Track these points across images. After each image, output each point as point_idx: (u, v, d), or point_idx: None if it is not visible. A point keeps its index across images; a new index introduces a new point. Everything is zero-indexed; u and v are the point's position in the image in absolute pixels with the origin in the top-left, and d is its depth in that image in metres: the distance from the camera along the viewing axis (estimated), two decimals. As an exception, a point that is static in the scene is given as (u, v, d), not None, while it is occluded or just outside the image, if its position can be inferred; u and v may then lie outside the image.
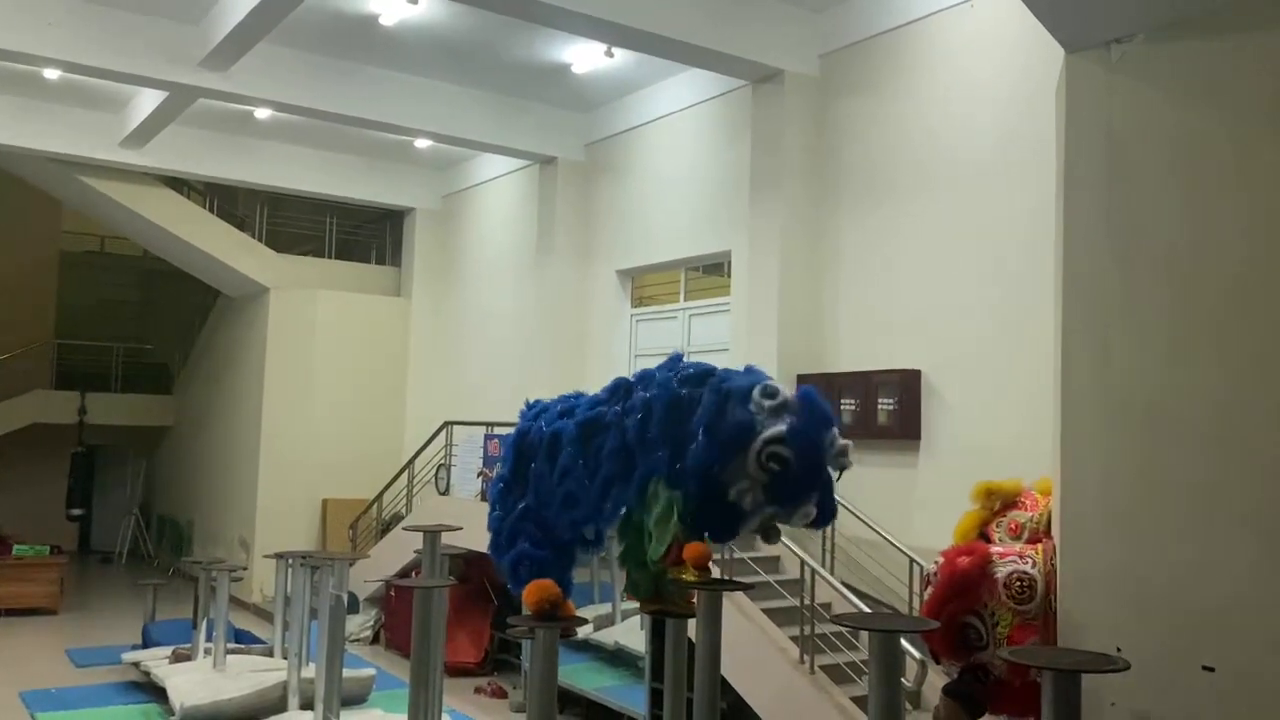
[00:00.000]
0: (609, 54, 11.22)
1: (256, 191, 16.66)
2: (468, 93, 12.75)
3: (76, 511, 19.52)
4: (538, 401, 5.76)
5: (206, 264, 16.52)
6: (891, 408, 9.02)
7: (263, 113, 13.27)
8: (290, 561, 9.95)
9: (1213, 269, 4.47)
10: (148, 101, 12.55)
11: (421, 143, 14.61)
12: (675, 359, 5.39)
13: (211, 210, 16.59)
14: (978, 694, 5.19)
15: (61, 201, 17.86)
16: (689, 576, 5.01)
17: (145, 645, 11.36)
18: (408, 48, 11.55)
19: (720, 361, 6.10)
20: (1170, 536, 4.51)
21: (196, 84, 11.23)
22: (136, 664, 10.58)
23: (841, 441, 5.02)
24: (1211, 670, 4.27)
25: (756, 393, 4.92)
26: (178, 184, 15.99)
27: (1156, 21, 4.66)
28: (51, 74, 11.76)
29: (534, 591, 5.03)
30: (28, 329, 19.76)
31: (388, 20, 10.73)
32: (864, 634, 6.87)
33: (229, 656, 10.04)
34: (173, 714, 9.10)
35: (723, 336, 11.00)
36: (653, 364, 5.67)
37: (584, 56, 11.54)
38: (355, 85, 12.13)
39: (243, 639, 11.41)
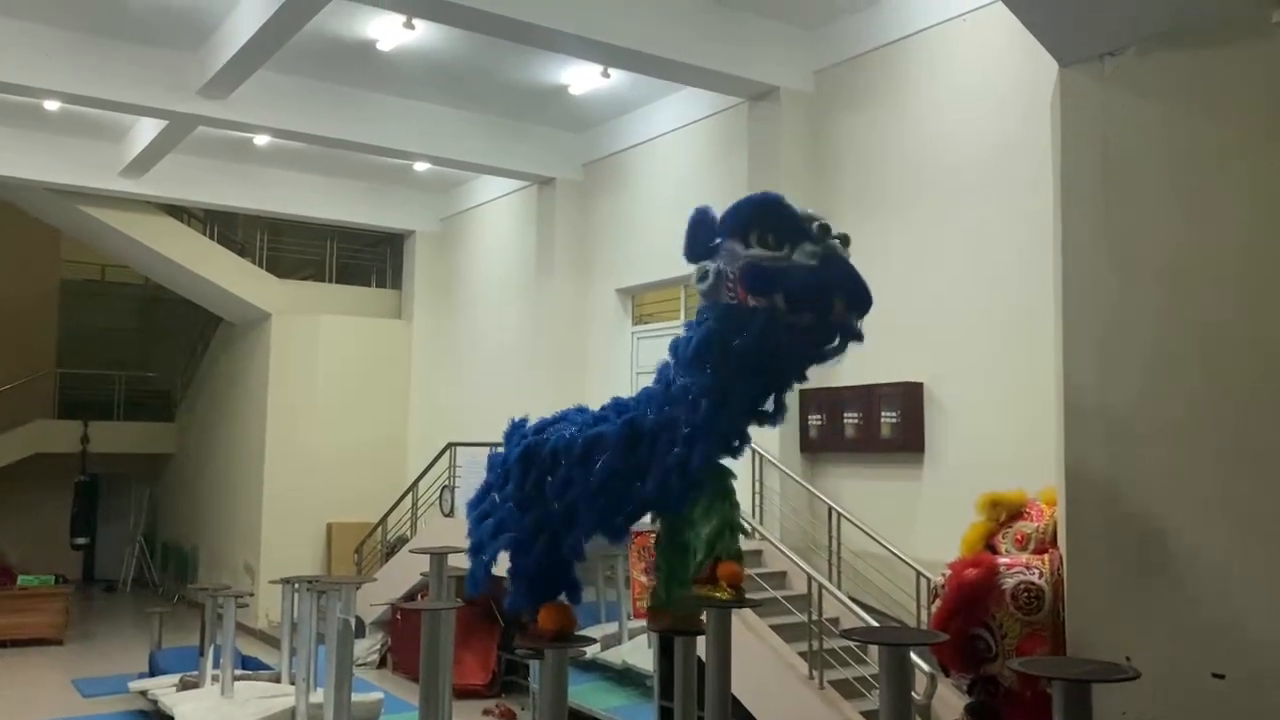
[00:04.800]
0: (605, 75, 11.29)
1: (257, 218, 16.72)
2: (465, 116, 12.83)
3: (81, 540, 19.46)
4: (523, 420, 5.65)
5: (207, 291, 16.57)
6: (894, 420, 9.04)
7: (262, 139, 13.33)
8: (296, 586, 9.94)
9: (1209, 277, 4.50)
10: (147, 130, 12.62)
11: (420, 166, 14.69)
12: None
13: (212, 237, 16.63)
14: (993, 708, 5.20)
15: (62, 231, 17.92)
16: (723, 595, 4.99)
17: (152, 673, 11.33)
18: (405, 72, 11.62)
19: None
20: (1176, 544, 4.52)
21: (195, 112, 11.30)
22: (144, 693, 10.55)
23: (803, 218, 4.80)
24: (1222, 678, 4.27)
25: (702, 284, 4.80)
26: (178, 212, 16.05)
27: (1147, 33, 4.70)
28: (51, 105, 11.83)
29: (551, 615, 5.00)
30: (29, 359, 19.79)
31: (385, 45, 10.80)
32: (873, 648, 6.88)
33: (237, 683, 10.01)
34: (181, 742, 9.08)
35: (724, 353, 11.01)
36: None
37: (580, 78, 11.61)
38: (353, 110, 12.20)
39: (250, 665, 11.39)
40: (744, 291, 4.71)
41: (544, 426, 5.43)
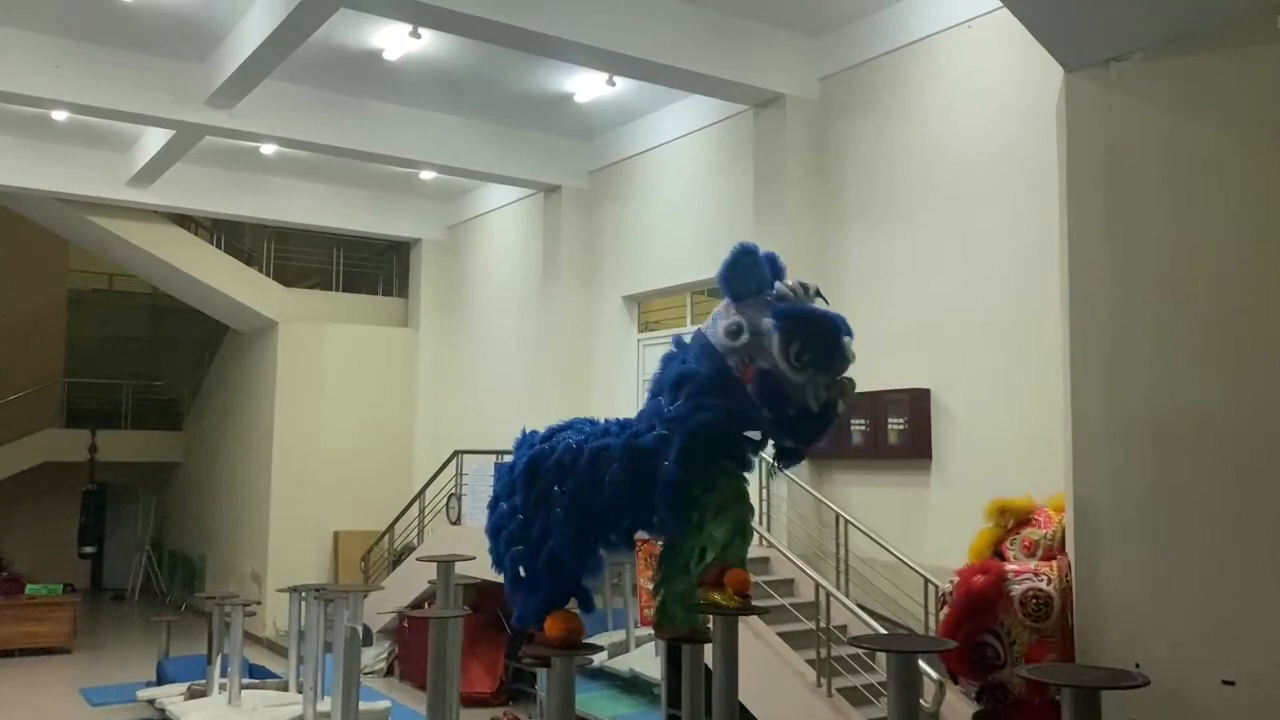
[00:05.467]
0: (610, 83, 11.31)
1: (263, 226, 16.77)
2: (471, 124, 12.86)
3: (88, 549, 19.52)
4: (534, 432, 5.66)
5: (214, 299, 16.62)
6: (901, 427, 9.02)
7: (268, 148, 13.38)
8: (303, 595, 9.96)
9: (1215, 281, 4.49)
10: (154, 140, 12.67)
11: (426, 174, 14.72)
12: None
13: (219, 246, 16.70)
14: (1002, 716, 5.18)
15: (70, 241, 17.97)
16: (729, 603, 4.96)
17: (160, 682, 11.35)
18: (411, 81, 11.66)
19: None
20: (1185, 550, 4.50)
21: (202, 122, 11.35)
22: (151, 701, 10.57)
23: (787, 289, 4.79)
24: (1232, 684, 4.25)
25: (734, 340, 4.77)
26: (185, 221, 16.12)
27: (1152, 39, 4.70)
28: (59, 115, 11.88)
29: (558, 623, 4.98)
30: (38, 368, 19.86)
31: (391, 55, 10.84)
32: (881, 655, 6.87)
33: (244, 692, 10.02)
34: (189, 751, 9.08)
35: (730, 360, 11.01)
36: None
37: (586, 86, 11.63)
38: (360, 119, 12.24)
39: (257, 674, 11.39)
40: (749, 378, 4.69)
41: (550, 434, 5.43)
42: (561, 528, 5.00)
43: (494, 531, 5.39)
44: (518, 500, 5.19)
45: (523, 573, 5.19)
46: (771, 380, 4.64)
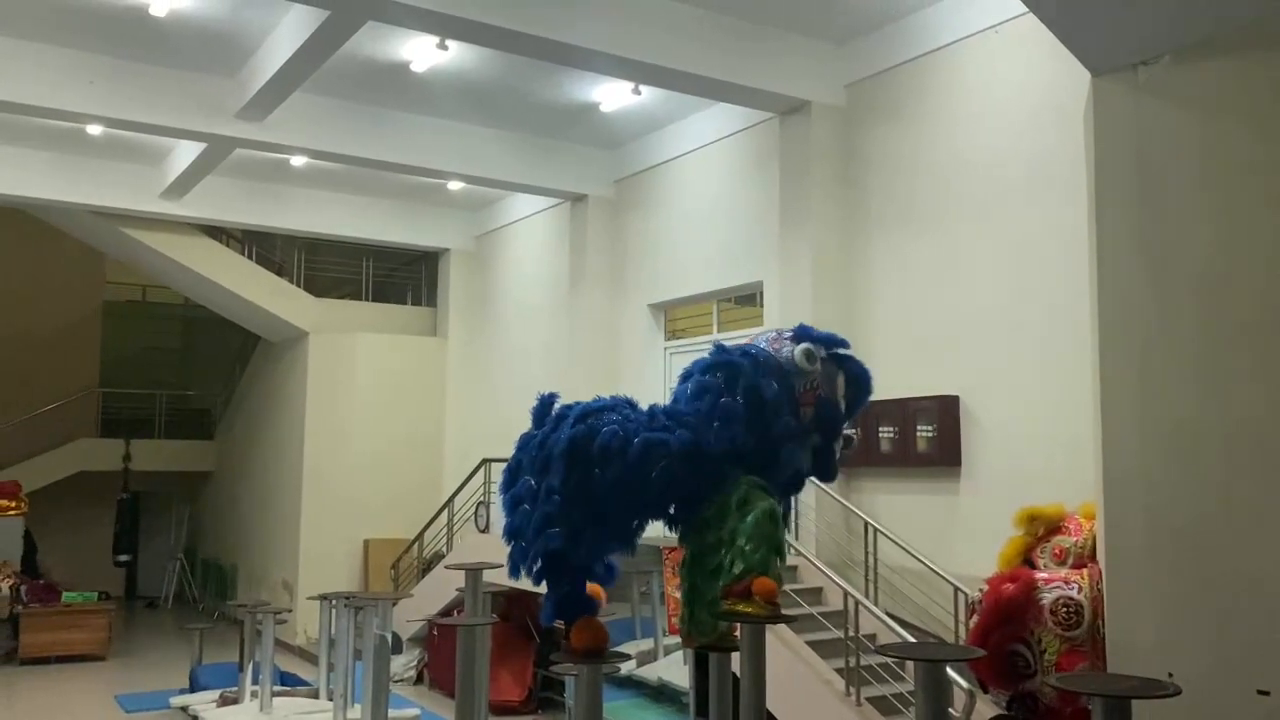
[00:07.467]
0: (636, 92, 11.34)
1: (294, 237, 16.93)
2: (498, 134, 12.93)
3: (123, 557, 19.74)
4: (552, 395, 5.69)
5: (246, 310, 16.79)
6: (930, 434, 8.97)
7: (298, 160, 13.52)
8: (334, 603, 10.02)
9: (1245, 285, 4.45)
10: (186, 153, 12.84)
11: (454, 185, 14.82)
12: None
13: (250, 257, 16.86)
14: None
15: (104, 253, 18.25)
16: (757, 611, 4.93)
17: (193, 689, 11.45)
18: (439, 93, 11.74)
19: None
20: (1219, 558, 4.45)
21: (233, 135, 11.49)
22: (185, 708, 10.66)
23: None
24: (1267, 694, 4.20)
25: (809, 364, 5.15)
26: (216, 233, 16.29)
27: (1181, 42, 4.67)
28: (94, 130, 12.06)
29: (583, 632, 4.97)
30: (73, 378, 20.14)
31: (419, 67, 10.92)
32: (910, 664, 6.82)
33: (275, 699, 10.09)
34: (221, 758, 9.15)
35: (757, 367, 10.99)
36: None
37: (612, 95, 11.67)
38: (388, 131, 12.34)
39: (288, 681, 11.47)
40: (809, 401, 5.08)
41: (587, 413, 5.32)
42: (604, 514, 4.99)
43: (512, 503, 5.29)
44: (555, 482, 5.03)
45: (558, 559, 5.05)
46: (831, 408, 5.14)
